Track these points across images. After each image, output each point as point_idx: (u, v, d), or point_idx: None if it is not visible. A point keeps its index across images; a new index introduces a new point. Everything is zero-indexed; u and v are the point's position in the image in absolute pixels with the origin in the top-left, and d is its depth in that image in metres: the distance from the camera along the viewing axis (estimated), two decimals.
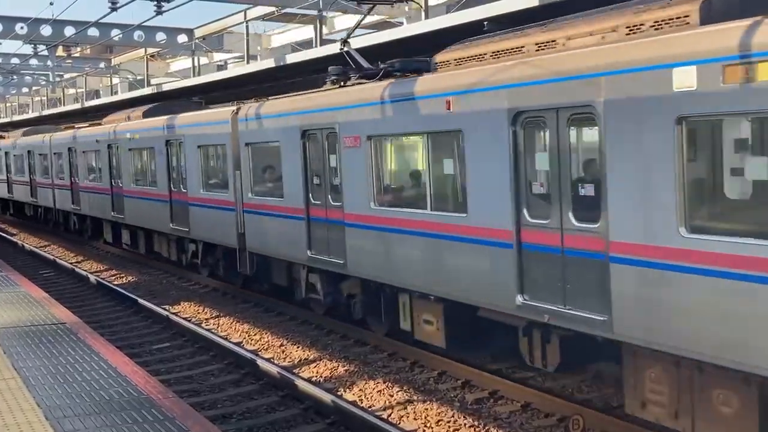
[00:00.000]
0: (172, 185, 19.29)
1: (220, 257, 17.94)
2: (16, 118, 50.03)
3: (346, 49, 13.37)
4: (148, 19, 16.69)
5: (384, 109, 11.28)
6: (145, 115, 21.56)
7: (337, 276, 13.28)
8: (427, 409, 10.01)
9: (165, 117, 19.55)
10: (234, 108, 16.21)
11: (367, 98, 11.74)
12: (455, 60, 10.46)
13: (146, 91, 29.06)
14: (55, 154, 29.14)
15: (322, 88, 13.49)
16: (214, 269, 18.63)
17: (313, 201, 13.46)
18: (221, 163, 17.38)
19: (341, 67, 13.03)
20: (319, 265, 13.46)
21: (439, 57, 10.82)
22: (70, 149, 27.27)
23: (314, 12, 22.05)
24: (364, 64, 12.82)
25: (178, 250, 20.22)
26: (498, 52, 9.69)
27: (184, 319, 15.45)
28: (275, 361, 12.44)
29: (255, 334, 14.27)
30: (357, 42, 16.44)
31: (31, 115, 45.63)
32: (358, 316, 13.17)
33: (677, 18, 7.62)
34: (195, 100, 23.67)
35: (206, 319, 15.80)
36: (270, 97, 15.43)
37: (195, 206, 18.06)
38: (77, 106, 36.73)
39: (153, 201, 20.39)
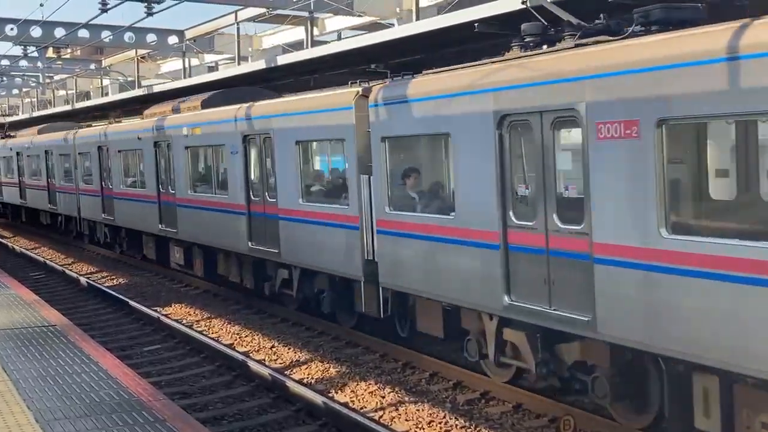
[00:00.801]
0: (251, 194, 15.09)
1: (328, 289, 13.46)
2: (23, 116, 44.40)
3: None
4: (138, 21, 16.63)
5: None
6: (205, 105, 17.59)
7: None
8: (419, 410, 10.01)
9: (237, 106, 15.46)
10: (357, 89, 12.09)
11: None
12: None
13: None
14: (80, 154, 25.28)
15: (526, 53, 9.47)
16: (313, 304, 14.22)
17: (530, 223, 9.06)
18: (336, 165, 13.77)
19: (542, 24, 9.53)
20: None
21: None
22: (100, 148, 23.37)
23: (305, 13, 22.02)
24: (573, 19, 9.20)
25: (257, 277, 15.80)
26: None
27: (175, 321, 15.42)
28: (266, 363, 12.43)
29: (246, 336, 14.25)
30: (346, 44, 16.45)
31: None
32: None
33: None
34: (262, 88, 19.17)
35: (197, 321, 15.77)
36: (425, 72, 11.23)
37: (290, 221, 13.72)
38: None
39: (222, 213, 16.18)
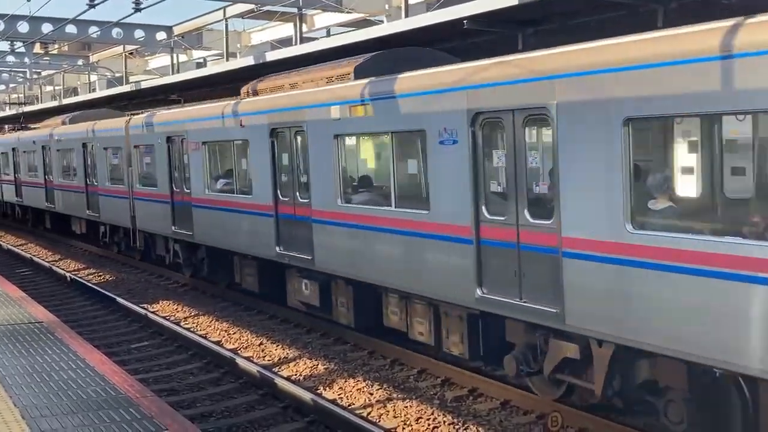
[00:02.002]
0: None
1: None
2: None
3: None
4: (126, 17, 16.50)
5: None
6: (358, 72, 12.23)
7: None
8: (407, 406, 10.02)
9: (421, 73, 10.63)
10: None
11: None
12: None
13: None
14: (137, 148, 20.20)
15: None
16: None
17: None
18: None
19: None
20: None
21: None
22: (171, 140, 17.92)
23: (294, 10, 21.99)
24: None
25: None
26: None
27: (163, 317, 15.38)
28: (255, 360, 12.41)
29: (234, 333, 14.23)
30: (334, 40, 16.42)
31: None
32: None
33: None
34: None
35: (185, 317, 15.73)
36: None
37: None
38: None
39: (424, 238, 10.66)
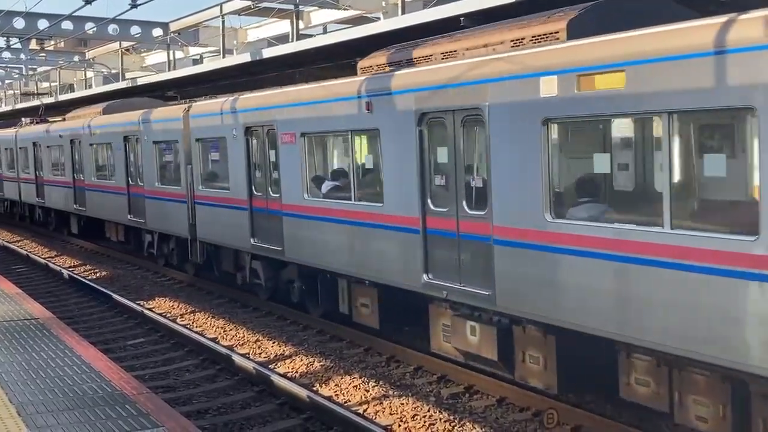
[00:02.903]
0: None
1: None
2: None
3: None
4: (122, 13, 16.49)
5: None
6: (574, 28, 9.05)
7: None
8: (403, 403, 10.03)
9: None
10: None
11: None
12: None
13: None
14: (200, 141, 16.62)
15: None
16: None
17: None
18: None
19: None
20: None
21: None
22: (252, 131, 14.51)
23: (291, 6, 21.98)
24: None
25: None
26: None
27: (159, 314, 15.38)
28: (251, 357, 12.42)
29: (230, 330, 14.23)
30: (331, 37, 16.42)
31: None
32: None
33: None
34: None
35: (181, 314, 15.73)
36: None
37: None
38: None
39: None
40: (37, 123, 29.96)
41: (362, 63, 12.33)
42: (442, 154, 10.27)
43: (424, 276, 10.54)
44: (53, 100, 33.94)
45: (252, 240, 14.67)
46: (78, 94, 32.98)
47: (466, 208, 9.85)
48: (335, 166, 13.23)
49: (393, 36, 13.87)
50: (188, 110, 17.05)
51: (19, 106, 40.02)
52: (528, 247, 8.88)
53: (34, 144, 28.61)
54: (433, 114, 10.23)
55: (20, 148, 30.61)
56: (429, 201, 10.43)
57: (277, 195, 13.75)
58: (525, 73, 8.87)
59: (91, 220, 24.17)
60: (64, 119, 27.14)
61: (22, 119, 32.43)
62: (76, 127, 24.30)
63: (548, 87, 8.52)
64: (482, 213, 9.55)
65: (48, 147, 27.14)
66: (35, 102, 35.73)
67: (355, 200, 11.95)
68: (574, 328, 8.49)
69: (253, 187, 14.65)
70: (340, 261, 12.30)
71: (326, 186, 12.85)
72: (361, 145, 12.21)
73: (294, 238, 13.33)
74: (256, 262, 15.12)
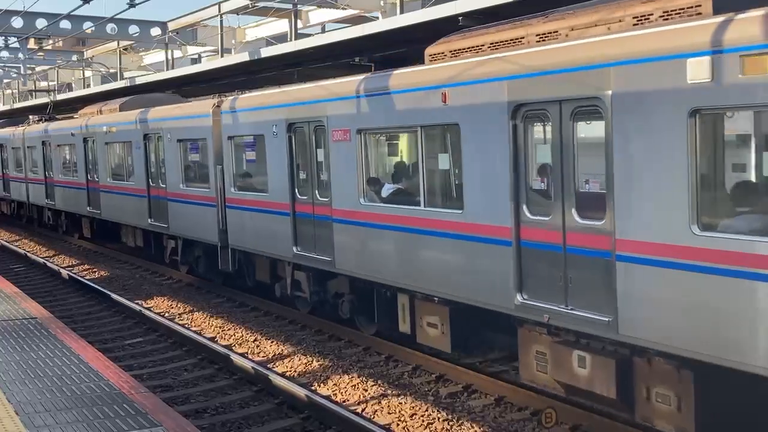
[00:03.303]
0: None
1: None
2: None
3: None
4: (120, 12, 16.49)
5: None
6: None
7: None
8: (401, 403, 10.03)
9: None
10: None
11: None
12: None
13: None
14: (233, 139, 15.24)
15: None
16: None
17: None
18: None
19: None
20: None
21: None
22: (295, 127, 13.08)
23: (289, 6, 21.97)
24: None
25: None
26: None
27: (158, 314, 15.37)
28: (249, 356, 12.41)
29: (229, 329, 14.22)
30: (329, 36, 16.41)
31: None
32: None
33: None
34: None
35: (180, 314, 15.72)
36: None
37: None
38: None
39: None
40: (45, 121, 28.49)
41: (431, 50, 10.69)
42: (544, 153, 8.78)
43: (518, 296, 8.98)
44: (63, 97, 32.15)
45: (295, 248, 13.25)
46: (89, 90, 31.02)
47: (576, 217, 8.28)
48: (399, 167, 12.03)
49: (391, 35, 13.88)
50: (219, 106, 15.65)
51: (27, 103, 38.19)
52: (663, 266, 7.37)
53: (44, 143, 27.12)
54: (533, 106, 8.72)
55: (28, 147, 29.08)
56: (524, 208, 8.92)
57: (326, 199, 12.29)
58: (664, 55, 7.21)
59: (105, 223, 22.70)
60: (75, 116, 25.46)
61: (30, 117, 30.69)
62: (90, 125, 22.64)
63: (698, 71, 6.95)
64: (599, 223, 8.00)
65: (58, 146, 25.75)
66: (37, 100, 35.06)
67: (424, 206, 10.46)
68: (726, 364, 6.98)
69: (296, 191, 13.20)
70: (402, 274, 10.84)
71: (387, 189, 11.55)
72: (434, 142, 10.75)
73: (347, 247, 11.92)
74: (299, 272, 13.66)
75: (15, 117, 36.51)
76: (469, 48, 10.04)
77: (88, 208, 23.24)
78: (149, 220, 19.03)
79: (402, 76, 10.78)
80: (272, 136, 13.62)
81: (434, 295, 10.53)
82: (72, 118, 25.96)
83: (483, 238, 9.49)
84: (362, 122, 11.46)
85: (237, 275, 16.08)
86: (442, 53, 10.50)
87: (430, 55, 10.70)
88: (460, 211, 9.75)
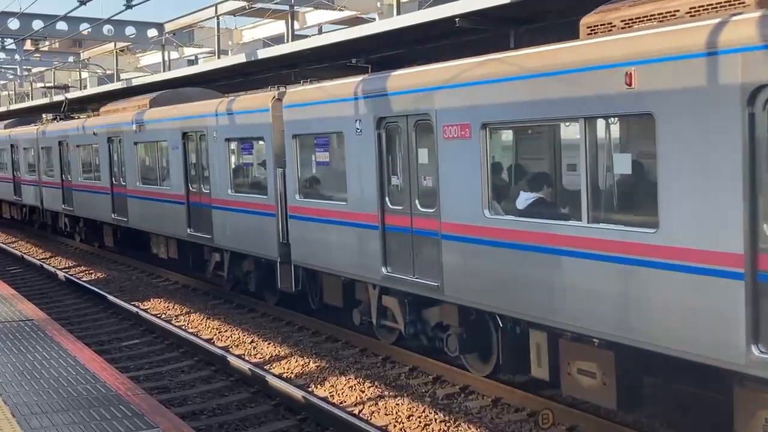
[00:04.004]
0: None
1: None
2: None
3: None
4: (117, 13, 16.49)
5: None
6: None
7: None
8: (398, 404, 10.03)
9: None
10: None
11: None
12: None
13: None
14: (299, 137, 13.12)
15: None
16: None
17: None
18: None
19: None
20: None
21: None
22: (387, 123, 11.04)
23: (286, 7, 21.97)
24: None
25: None
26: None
27: (154, 315, 15.35)
28: (246, 358, 12.40)
29: (226, 331, 14.20)
30: (326, 38, 16.41)
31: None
32: None
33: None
34: None
35: (176, 315, 15.70)
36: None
37: None
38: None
39: None
40: (60, 119, 26.72)
41: (588, 19, 8.60)
42: None
43: (754, 349, 6.67)
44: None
45: (385, 269, 11.08)
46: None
47: None
48: (542, 171, 9.51)
49: (389, 36, 13.87)
50: (280, 99, 13.51)
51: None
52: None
53: (60, 143, 24.80)
54: None
55: (42, 147, 26.76)
56: None
57: (431, 210, 10.14)
58: None
59: (130, 232, 20.64)
60: (97, 114, 23.39)
61: (43, 115, 28.87)
62: (115, 123, 20.30)
63: None
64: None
65: (78, 146, 23.33)
66: (38, 100, 34.53)
67: (588, 221, 8.11)
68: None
69: (387, 200, 11.04)
70: (543, 307, 8.58)
71: (525, 199, 9.22)
72: (607, 138, 8.28)
73: (462, 270, 9.69)
74: (389, 297, 11.42)
75: (25, 116, 34.68)
76: (652, 14, 7.91)
77: (113, 215, 20.99)
78: (188, 229, 16.89)
79: (553, 55, 8.45)
80: (354, 133, 11.49)
81: (598, 337, 8.20)
82: (93, 116, 23.91)
83: (693, 268, 7.13)
84: (490, 115, 9.17)
85: (299, 296, 14.00)
86: (609, 24, 8.27)
87: (588, 26, 8.57)
88: (654, 231, 7.42)
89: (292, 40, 20.26)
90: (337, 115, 11.95)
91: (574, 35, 8.79)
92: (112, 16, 19.82)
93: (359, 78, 11.77)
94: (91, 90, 30.39)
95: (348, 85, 11.80)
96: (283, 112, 13.28)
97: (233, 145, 15.25)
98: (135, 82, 25.55)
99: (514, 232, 8.98)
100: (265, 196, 14.02)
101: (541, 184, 9.28)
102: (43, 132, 26.66)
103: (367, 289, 11.97)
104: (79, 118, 25.36)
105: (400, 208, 10.82)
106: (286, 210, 13.48)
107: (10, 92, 49.47)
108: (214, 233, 15.82)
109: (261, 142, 14.20)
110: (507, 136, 9.89)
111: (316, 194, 13.04)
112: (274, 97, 13.72)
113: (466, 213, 9.60)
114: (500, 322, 9.68)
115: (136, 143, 19.23)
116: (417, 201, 10.50)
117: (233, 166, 15.42)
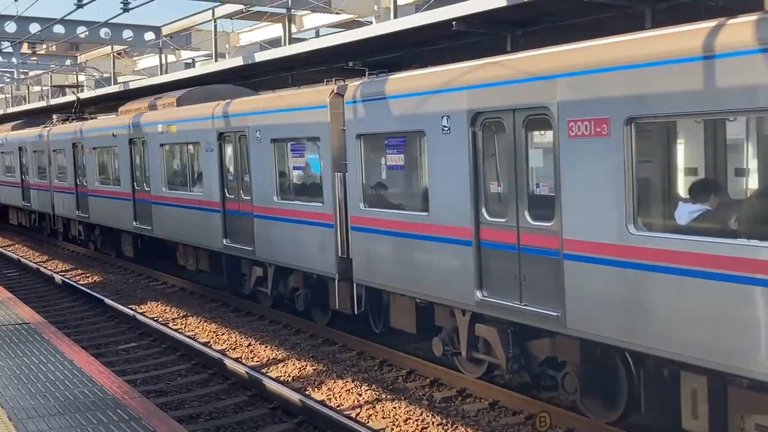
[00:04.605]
0: None
1: None
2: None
3: None
4: (114, 17, 16.48)
5: None
6: None
7: None
8: (395, 407, 10.02)
9: None
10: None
11: None
12: None
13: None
14: (363, 137, 11.56)
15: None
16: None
17: None
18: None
19: None
20: None
21: None
22: (484, 120, 9.38)
23: (283, 11, 21.97)
24: None
25: None
26: None
27: (151, 318, 15.33)
28: (243, 361, 12.39)
29: (223, 334, 14.19)
30: (323, 41, 16.42)
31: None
32: None
33: None
34: None
35: (173, 318, 15.68)
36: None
37: None
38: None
39: None
40: (72, 120, 25.22)
41: None
42: None
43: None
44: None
45: (479, 293, 9.43)
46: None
47: None
48: (708, 176, 8.11)
49: (385, 40, 13.89)
50: (341, 94, 11.94)
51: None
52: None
53: (74, 145, 23.35)
54: None
55: (54, 150, 25.28)
56: None
57: (549, 224, 8.48)
58: None
59: (153, 241, 19.18)
60: (114, 114, 22.07)
61: (53, 116, 27.14)
62: (137, 123, 18.91)
63: None
64: None
65: (94, 149, 21.77)
66: (32, 103, 33.96)
67: None
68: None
69: (483, 211, 9.37)
70: (715, 348, 6.88)
71: (689, 212, 7.58)
72: None
73: (595, 298, 7.99)
74: (484, 326, 9.73)
75: (33, 117, 32.93)
76: None
77: (134, 223, 19.38)
78: (224, 240, 15.27)
79: (722, 31, 6.77)
80: (440, 132, 9.85)
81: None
82: (112, 116, 22.43)
83: None
84: (638, 107, 7.43)
85: (360, 318, 12.39)
86: None
87: None
88: None
89: (290, 44, 20.26)
90: (416, 112, 10.28)
91: (573, 38, 8.73)
92: (109, 20, 19.74)
93: (446, 68, 10.07)
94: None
95: (432, 75, 10.23)
96: (345, 108, 11.73)
97: (281, 147, 13.60)
98: (132, 85, 25.48)
99: (673, 253, 7.23)
100: (321, 204, 12.35)
101: (710, 194, 7.59)
102: (55, 133, 25.20)
103: (451, 314, 10.26)
104: (91, 118, 24.30)
105: (502, 220, 9.11)
106: (346, 220, 11.85)
107: (7, 95, 49.43)
108: (256, 245, 14.17)
109: (316, 143, 12.54)
110: (662, 133, 7.85)
111: (385, 203, 11.40)
112: (332, 91, 12.07)
113: (600, 228, 7.86)
114: (631, 362, 8.21)
115: (162, 145, 17.75)
116: (526, 213, 8.79)
117: (279, 170, 13.73)
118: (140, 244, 20.39)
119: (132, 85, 25.52)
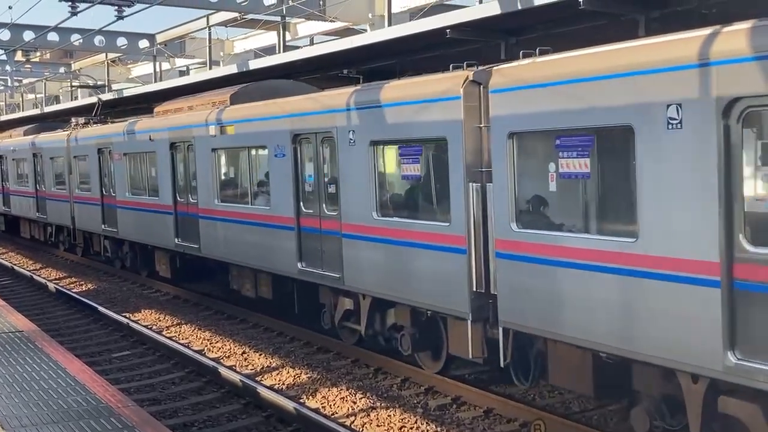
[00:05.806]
0: None
1: None
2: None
3: None
4: (108, 24, 16.49)
5: None
6: None
7: None
8: (390, 415, 10.01)
9: None
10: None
11: None
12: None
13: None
14: (521, 137, 8.79)
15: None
16: None
17: None
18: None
19: None
20: None
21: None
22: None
23: (278, 18, 22.01)
24: None
25: None
26: None
27: (145, 326, 15.29)
28: (237, 369, 12.36)
29: (217, 342, 14.16)
30: (318, 48, 16.44)
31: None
32: None
33: None
34: None
35: (167, 326, 15.65)
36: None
37: None
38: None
39: None
40: (93, 124, 23.14)
41: None
42: None
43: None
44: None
45: (732, 355, 6.69)
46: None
47: None
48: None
49: (379, 47, 13.91)
50: (478, 82, 9.36)
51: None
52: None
53: (100, 151, 20.86)
54: None
55: (75, 157, 22.81)
56: None
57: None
58: None
59: (196, 260, 16.85)
60: (150, 115, 19.45)
61: (73, 120, 24.84)
62: (181, 125, 16.51)
63: None
64: None
65: (124, 155, 19.30)
66: (44, 106, 32.42)
67: None
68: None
69: (740, 237, 6.65)
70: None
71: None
72: None
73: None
74: (739, 402, 6.97)
75: (50, 121, 30.73)
76: None
77: (176, 240, 16.99)
78: (299, 264, 12.92)
79: None
80: (663, 127, 7.10)
81: None
82: (146, 118, 19.70)
83: None
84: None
85: (494, 366, 9.84)
86: None
87: None
88: None
89: (284, 51, 20.29)
90: (617, 103, 7.49)
91: (564, 47, 8.79)
92: (103, 27, 19.70)
93: (670, 37, 7.26)
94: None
95: (646, 49, 7.40)
96: (492, 99, 9.08)
97: (384, 151, 11.13)
98: (126, 93, 25.41)
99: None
100: (446, 224, 9.84)
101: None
102: (76, 138, 22.58)
103: (665, 379, 7.63)
104: (114, 122, 22.24)
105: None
106: (485, 245, 9.38)
107: (1, 102, 49.38)
108: (345, 271, 11.74)
109: (441, 146, 9.93)
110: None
111: (551, 224, 8.72)
112: (467, 78, 9.45)
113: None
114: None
115: (214, 150, 15.29)
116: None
117: (383, 180, 11.30)
118: (179, 263, 18.03)
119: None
